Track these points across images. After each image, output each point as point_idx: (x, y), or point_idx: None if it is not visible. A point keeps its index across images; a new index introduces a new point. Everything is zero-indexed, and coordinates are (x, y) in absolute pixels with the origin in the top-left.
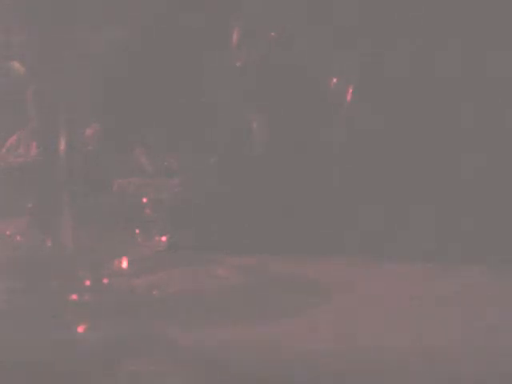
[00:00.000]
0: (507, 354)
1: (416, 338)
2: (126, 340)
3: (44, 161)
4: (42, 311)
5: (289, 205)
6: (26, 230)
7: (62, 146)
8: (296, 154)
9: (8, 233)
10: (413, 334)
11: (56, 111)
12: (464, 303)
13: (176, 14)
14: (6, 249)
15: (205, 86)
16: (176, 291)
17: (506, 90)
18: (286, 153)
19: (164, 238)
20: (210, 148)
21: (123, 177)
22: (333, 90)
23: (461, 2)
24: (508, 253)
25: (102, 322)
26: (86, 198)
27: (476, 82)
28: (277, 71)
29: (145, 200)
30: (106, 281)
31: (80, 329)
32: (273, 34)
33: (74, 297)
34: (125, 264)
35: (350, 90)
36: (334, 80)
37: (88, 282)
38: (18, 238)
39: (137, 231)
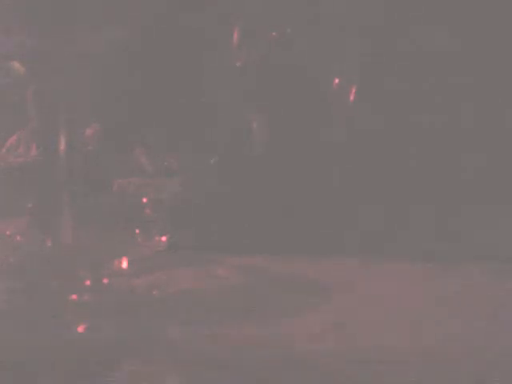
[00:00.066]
0: (507, 354)
1: (416, 338)
2: (125, 340)
3: (44, 161)
4: (42, 311)
5: (289, 205)
6: (25, 230)
7: (62, 146)
8: (296, 154)
9: (8, 233)
10: (413, 334)
11: (56, 111)
12: (464, 303)
13: (176, 14)
14: (5, 249)
15: (205, 86)
16: (176, 291)
17: (506, 90)
18: (286, 153)
19: (164, 238)
20: (210, 148)
21: (123, 177)
22: (333, 90)
23: (461, 3)
24: (508, 253)
25: (102, 322)
26: (86, 198)
27: (476, 82)
28: (277, 71)
29: (145, 200)
30: (105, 281)
31: (80, 329)
32: (273, 34)
33: (74, 297)
34: (125, 264)
35: (351, 91)
36: (334, 80)
37: (88, 282)
38: (18, 237)
39: (137, 231)
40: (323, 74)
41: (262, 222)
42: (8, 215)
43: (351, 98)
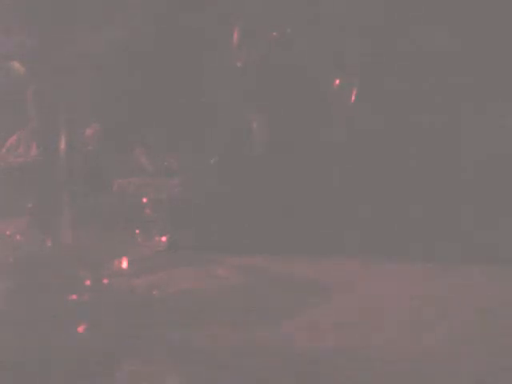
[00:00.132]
0: (507, 353)
1: (416, 338)
2: (125, 340)
3: (44, 161)
4: (41, 311)
5: (289, 205)
6: (25, 230)
7: (62, 145)
8: (296, 154)
9: (8, 233)
10: (413, 334)
11: (56, 111)
12: (464, 303)
13: (176, 14)
14: (6, 249)
15: (205, 86)
16: (176, 291)
17: (506, 91)
18: (286, 153)
19: (164, 238)
20: (210, 148)
21: (123, 177)
22: (333, 90)
23: (461, 5)
24: (508, 253)
25: (102, 322)
26: (86, 198)
27: (476, 82)
28: (277, 71)
29: (145, 200)
30: (105, 281)
31: (80, 329)
32: (273, 34)
33: (74, 297)
34: (125, 264)
35: (351, 91)
36: (334, 80)
37: (88, 282)
38: (18, 237)
39: (137, 231)
40: (323, 74)
41: (261, 222)
42: (8, 215)
43: (351, 98)
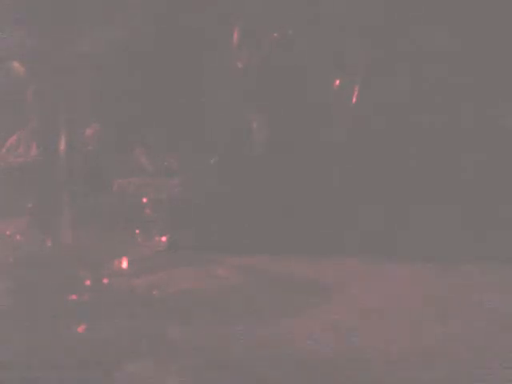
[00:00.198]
0: (507, 353)
1: (416, 338)
2: (125, 340)
3: (44, 161)
4: (41, 311)
5: (289, 205)
6: (25, 230)
7: (62, 146)
8: (296, 154)
9: (8, 233)
10: (413, 334)
11: (56, 111)
12: (464, 303)
13: (176, 14)
14: (6, 249)
15: (205, 86)
16: (176, 291)
17: (506, 91)
18: (286, 153)
19: (164, 238)
20: (210, 148)
21: (123, 177)
22: (333, 91)
23: (461, 5)
24: (508, 253)
25: (102, 322)
26: (86, 198)
27: (476, 83)
28: (277, 71)
29: (145, 200)
30: (105, 281)
31: (80, 329)
32: (273, 34)
33: (74, 297)
34: (125, 264)
35: (352, 91)
36: (334, 80)
37: (88, 282)
38: (18, 237)
39: (137, 231)
40: (323, 74)
41: (261, 222)
42: (8, 215)
43: (351, 98)
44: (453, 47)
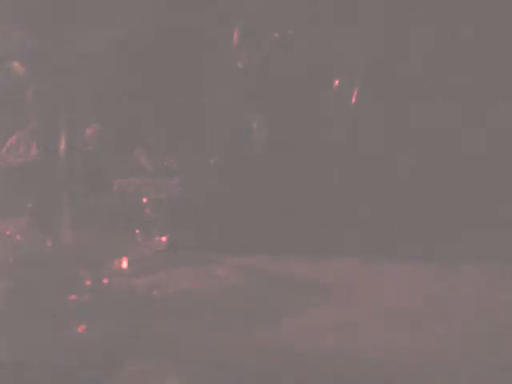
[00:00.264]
0: (507, 353)
1: (416, 338)
2: (125, 340)
3: (44, 161)
4: (41, 311)
5: (289, 205)
6: (25, 230)
7: (62, 146)
8: (296, 154)
9: (8, 233)
10: (413, 334)
11: (56, 111)
12: (464, 303)
13: (176, 14)
14: (6, 249)
15: (205, 87)
16: (176, 291)
17: (506, 91)
18: (286, 153)
19: (164, 238)
20: (210, 148)
21: (123, 177)
22: (333, 91)
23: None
24: (508, 253)
25: (102, 322)
26: (86, 198)
27: (476, 83)
28: (277, 71)
29: (145, 200)
30: (105, 281)
31: (80, 329)
32: (273, 34)
33: (74, 297)
34: (125, 264)
35: (352, 91)
36: (335, 81)
37: (88, 282)
38: (18, 237)
39: (137, 231)
40: (323, 74)
41: (261, 222)
42: (8, 215)
43: (352, 98)
44: (453, 47)
